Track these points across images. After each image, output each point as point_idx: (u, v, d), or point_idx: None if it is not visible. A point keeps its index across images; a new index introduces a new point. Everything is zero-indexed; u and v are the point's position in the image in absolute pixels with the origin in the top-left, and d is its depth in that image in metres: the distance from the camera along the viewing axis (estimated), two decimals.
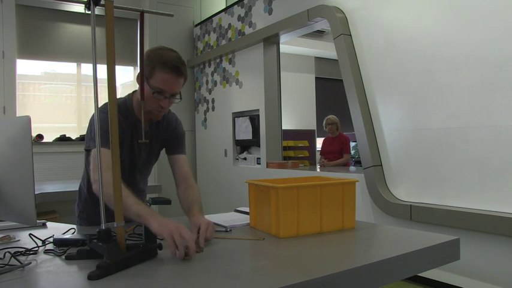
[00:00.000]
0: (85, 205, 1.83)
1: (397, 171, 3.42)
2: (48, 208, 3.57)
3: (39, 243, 1.41)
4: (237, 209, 2.11)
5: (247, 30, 5.18)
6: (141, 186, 1.86)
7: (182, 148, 1.83)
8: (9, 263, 1.16)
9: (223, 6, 6.26)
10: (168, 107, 1.66)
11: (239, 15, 5.36)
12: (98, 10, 1.22)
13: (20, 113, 5.38)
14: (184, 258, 1.21)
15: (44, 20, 5.67)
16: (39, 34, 5.64)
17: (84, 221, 1.83)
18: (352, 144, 5.59)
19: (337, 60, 3.83)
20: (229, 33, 5.55)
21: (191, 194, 1.69)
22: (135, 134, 1.68)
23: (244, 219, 1.80)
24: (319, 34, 7.16)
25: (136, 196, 1.41)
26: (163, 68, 1.55)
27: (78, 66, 5.90)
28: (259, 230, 1.63)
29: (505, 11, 2.72)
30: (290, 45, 6.80)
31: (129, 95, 1.75)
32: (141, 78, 1.58)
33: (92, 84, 1.24)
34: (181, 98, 1.65)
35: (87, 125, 1.71)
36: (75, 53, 5.81)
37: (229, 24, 5.55)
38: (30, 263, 1.20)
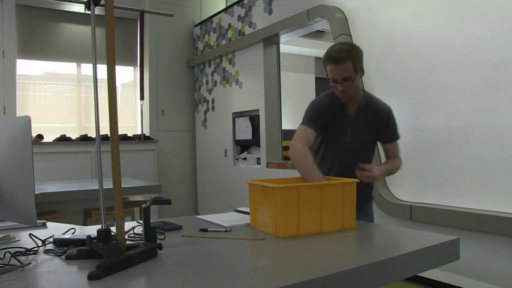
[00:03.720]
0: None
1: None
2: (48, 208, 3.57)
3: (39, 243, 1.41)
4: (237, 209, 2.11)
5: (247, 30, 5.18)
6: (349, 161, 1.99)
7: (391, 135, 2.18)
8: (9, 263, 1.16)
9: (223, 6, 6.25)
10: (346, 90, 1.91)
11: (239, 15, 5.35)
12: (98, 10, 1.23)
13: (20, 113, 5.37)
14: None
15: (44, 20, 5.67)
16: (39, 34, 5.64)
17: None
18: None
19: None
20: (229, 33, 5.54)
21: (392, 161, 2.15)
22: (342, 115, 2.01)
23: (244, 219, 1.80)
24: (319, 34, 7.14)
25: (349, 170, 1.87)
26: (326, 61, 1.91)
27: (78, 66, 5.89)
28: (259, 230, 1.63)
29: (505, 11, 2.72)
30: (290, 45, 6.78)
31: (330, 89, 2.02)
32: (140, 77, 1.58)
33: (92, 84, 1.24)
34: (353, 81, 1.89)
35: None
36: (75, 53, 5.80)
37: (229, 24, 5.55)
38: (30, 263, 1.20)
